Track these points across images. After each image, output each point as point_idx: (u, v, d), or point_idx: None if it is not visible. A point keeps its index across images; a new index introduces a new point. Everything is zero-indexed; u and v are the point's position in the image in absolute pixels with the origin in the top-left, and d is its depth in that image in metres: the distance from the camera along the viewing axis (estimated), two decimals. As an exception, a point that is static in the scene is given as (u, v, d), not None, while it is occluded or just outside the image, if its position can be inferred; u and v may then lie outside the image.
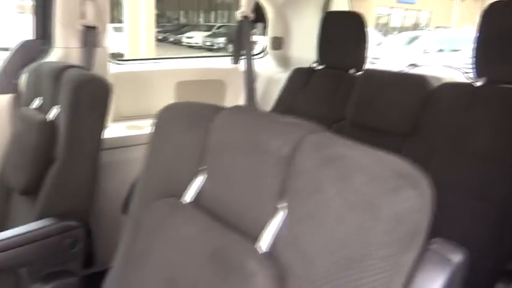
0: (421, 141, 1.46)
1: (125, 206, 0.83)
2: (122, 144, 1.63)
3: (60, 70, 1.29)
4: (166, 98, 2.08)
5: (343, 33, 1.84)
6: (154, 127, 0.74)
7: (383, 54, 9.01)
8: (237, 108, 0.66)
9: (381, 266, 0.46)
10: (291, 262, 0.50)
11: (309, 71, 1.99)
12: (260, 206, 0.55)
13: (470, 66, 1.43)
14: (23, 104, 1.49)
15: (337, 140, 0.55)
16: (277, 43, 2.22)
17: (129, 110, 1.96)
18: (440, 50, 9.37)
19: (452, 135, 1.39)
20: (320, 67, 1.97)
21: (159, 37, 16.35)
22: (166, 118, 0.73)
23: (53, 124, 1.22)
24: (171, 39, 18.48)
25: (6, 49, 1.93)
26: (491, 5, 1.34)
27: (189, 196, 0.64)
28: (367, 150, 0.53)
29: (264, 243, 0.53)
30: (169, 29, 19.73)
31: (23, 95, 1.56)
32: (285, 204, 0.53)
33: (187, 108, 0.72)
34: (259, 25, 2.42)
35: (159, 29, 16.80)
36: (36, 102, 1.37)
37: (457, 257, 0.49)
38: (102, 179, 1.41)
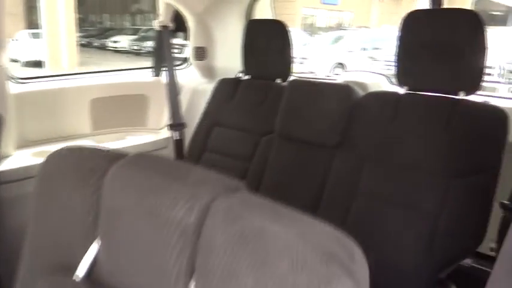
0: (350, 152, 1.44)
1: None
2: (24, 175, 1.43)
3: None
4: (81, 117, 1.90)
5: (267, 42, 1.78)
6: (38, 182, 0.61)
7: (310, 54, 9.22)
8: (137, 157, 0.54)
9: None
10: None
11: (235, 81, 1.91)
12: (168, 286, 0.45)
13: (391, 63, 1.42)
14: None
15: (254, 205, 0.45)
16: (201, 53, 2.11)
17: (37, 133, 1.75)
18: (364, 49, 9.77)
19: (380, 145, 1.37)
20: (246, 77, 1.90)
21: (83, 42, 15.51)
22: (52, 171, 0.59)
23: None
24: (96, 44, 17.61)
25: None
26: (410, 14, 1.34)
27: (81, 271, 0.52)
28: (291, 221, 0.44)
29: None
30: (93, 33, 18.79)
31: None
32: (194, 284, 0.43)
33: (78, 156, 0.59)
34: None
35: (82, 34, 15.94)
36: None
37: None
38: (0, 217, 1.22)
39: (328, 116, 1.50)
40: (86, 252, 0.52)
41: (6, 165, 1.47)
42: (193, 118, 2.02)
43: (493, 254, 1.30)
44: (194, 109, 2.09)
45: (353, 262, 0.41)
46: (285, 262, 0.39)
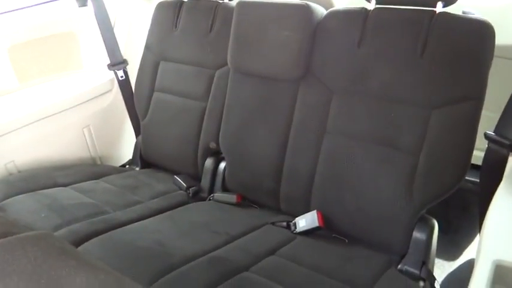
0: (317, 84, 1.26)
1: None
2: None
3: None
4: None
5: None
6: None
7: None
8: None
9: None
10: None
11: (176, 3, 1.62)
12: None
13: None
14: None
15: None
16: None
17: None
18: None
19: (350, 74, 1.19)
20: (189, -3, 1.60)
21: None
22: None
23: None
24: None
25: None
26: None
27: None
28: None
29: None
30: None
31: None
32: None
33: None
34: None
35: None
36: None
37: None
38: None
39: (287, 44, 1.29)
40: None
41: None
42: (136, 53, 1.76)
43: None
44: (135, 42, 1.82)
45: None
46: None
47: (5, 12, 1.69)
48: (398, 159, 1.12)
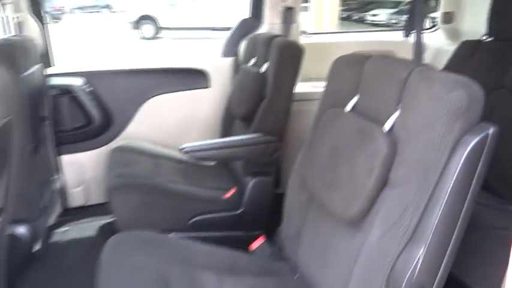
0: None
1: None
2: (304, 98, 2.14)
3: (270, 38, 1.86)
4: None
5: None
6: (330, 73, 1.22)
7: None
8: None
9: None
10: (400, 135, 0.91)
11: (477, 43, 2.12)
12: (386, 109, 0.96)
13: None
14: (242, 63, 2.14)
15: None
16: (448, 17, 2.41)
17: (313, 73, 2.47)
18: None
19: None
20: (489, 39, 2.09)
21: (343, 15, 16.62)
22: (338, 67, 1.19)
23: (264, 74, 1.80)
24: (355, 18, 18.55)
25: (227, 28, 2.65)
26: None
27: (348, 107, 1.09)
28: None
29: (386, 127, 0.94)
30: (354, 7, 19.78)
31: (240, 57, 2.22)
32: (400, 106, 0.93)
33: (351, 57, 1.16)
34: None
35: (344, 7, 17.06)
36: (252, 61, 1.99)
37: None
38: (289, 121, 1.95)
39: None
40: (351, 99, 1.09)
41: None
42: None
43: None
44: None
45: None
46: (441, 87, 0.85)
47: (356, 32, 2.62)
48: None
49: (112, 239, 1.22)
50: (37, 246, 1.61)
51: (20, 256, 1.50)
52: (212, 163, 2.13)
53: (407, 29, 2.58)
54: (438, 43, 2.51)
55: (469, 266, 1.18)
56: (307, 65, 2.43)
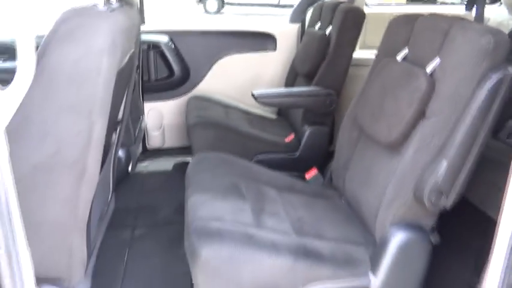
0: None
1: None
2: (362, 63, 2.33)
3: (336, 4, 2.07)
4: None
5: None
6: (387, 30, 1.43)
7: None
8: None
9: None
10: (439, 77, 1.12)
11: None
12: (430, 56, 1.17)
13: None
14: (308, 27, 2.37)
15: None
16: (512, -9, 2.47)
17: (372, 42, 2.64)
18: None
19: None
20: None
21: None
22: (394, 24, 1.40)
23: (327, 36, 2.02)
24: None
25: (290, 5, 2.85)
26: None
27: (399, 58, 1.31)
28: None
29: (428, 70, 1.15)
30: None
31: (307, 23, 2.45)
32: (441, 52, 1.14)
33: (405, 16, 1.36)
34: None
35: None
36: (318, 25, 2.21)
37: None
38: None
39: None
40: (401, 51, 1.30)
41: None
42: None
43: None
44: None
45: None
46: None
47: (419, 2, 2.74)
48: None
49: (196, 156, 1.53)
50: (130, 168, 1.97)
51: (119, 174, 1.86)
52: (274, 116, 2.40)
53: (470, 3, 2.66)
54: (500, 17, 2.58)
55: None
56: (367, 34, 2.61)
